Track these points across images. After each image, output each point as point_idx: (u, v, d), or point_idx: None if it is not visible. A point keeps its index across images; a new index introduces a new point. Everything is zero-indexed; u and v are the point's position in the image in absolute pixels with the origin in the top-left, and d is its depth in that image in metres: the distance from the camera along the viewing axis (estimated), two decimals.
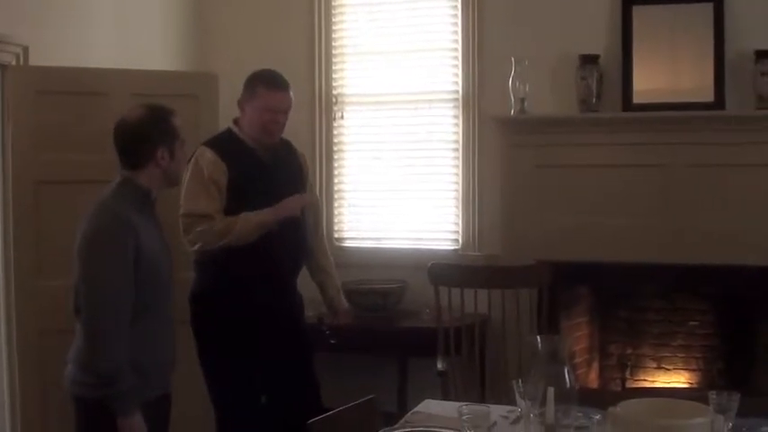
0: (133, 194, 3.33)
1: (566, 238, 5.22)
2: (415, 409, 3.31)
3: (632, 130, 5.14)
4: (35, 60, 4.66)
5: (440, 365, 4.51)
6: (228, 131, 4.25)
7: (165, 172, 3.38)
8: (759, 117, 4.98)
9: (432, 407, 3.36)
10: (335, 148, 6.06)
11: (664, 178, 5.10)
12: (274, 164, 4.23)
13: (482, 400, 4.46)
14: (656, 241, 5.11)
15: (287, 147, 4.37)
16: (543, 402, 2.75)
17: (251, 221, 4.02)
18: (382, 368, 5.55)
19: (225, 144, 4.16)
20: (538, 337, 2.93)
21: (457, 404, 3.18)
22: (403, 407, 5.18)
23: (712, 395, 2.83)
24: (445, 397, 4.36)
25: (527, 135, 5.33)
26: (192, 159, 4.04)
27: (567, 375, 2.83)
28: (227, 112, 4.60)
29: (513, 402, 3.00)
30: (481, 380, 4.75)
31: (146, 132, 3.35)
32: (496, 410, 3.18)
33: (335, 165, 6.07)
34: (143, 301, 3.24)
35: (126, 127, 3.39)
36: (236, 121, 4.25)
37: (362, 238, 6.08)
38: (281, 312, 4.23)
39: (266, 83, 4.16)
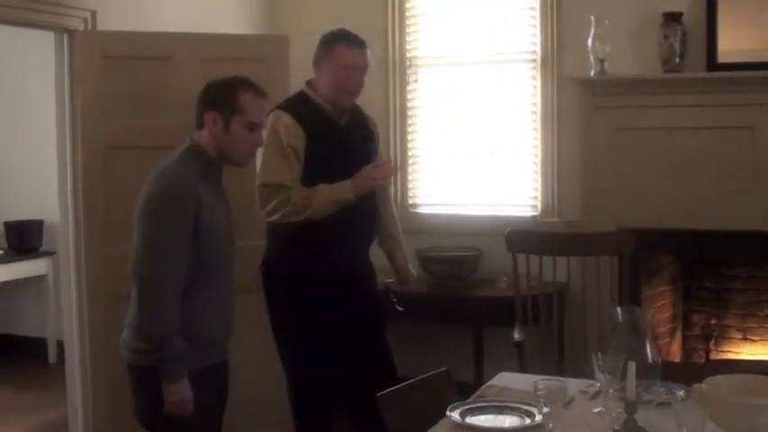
0: (198, 160, 3.25)
1: (648, 204, 5.06)
2: (490, 383, 3.19)
3: (718, 91, 4.93)
4: (103, 25, 4.61)
5: (516, 336, 4.37)
6: (302, 94, 4.12)
7: (218, 142, 3.25)
8: None
9: (506, 380, 3.23)
10: (409, 113, 5.92)
11: (751, 141, 4.89)
12: (349, 128, 4.12)
13: (560, 372, 4.32)
14: (743, 207, 4.91)
15: (359, 111, 4.26)
16: (624, 377, 2.62)
17: (329, 198, 3.91)
18: (458, 338, 5.45)
19: (300, 107, 4.04)
20: (618, 309, 2.78)
21: (533, 377, 3.07)
22: (479, 378, 5.10)
23: None
24: (522, 369, 4.23)
25: (608, 97, 5.15)
26: (268, 124, 3.91)
27: (648, 349, 2.68)
28: (297, 76, 4.50)
29: (592, 376, 2.87)
30: (559, 351, 4.60)
31: (205, 92, 3.30)
32: (574, 385, 3.05)
33: (409, 129, 5.93)
34: (197, 271, 3.16)
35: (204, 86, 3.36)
36: (309, 84, 4.13)
37: (437, 204, 5.93)
38: (355, 280, 4.14)
39: (343, 40, 4.05)
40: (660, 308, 5.45)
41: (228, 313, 3.38)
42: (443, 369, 3.01)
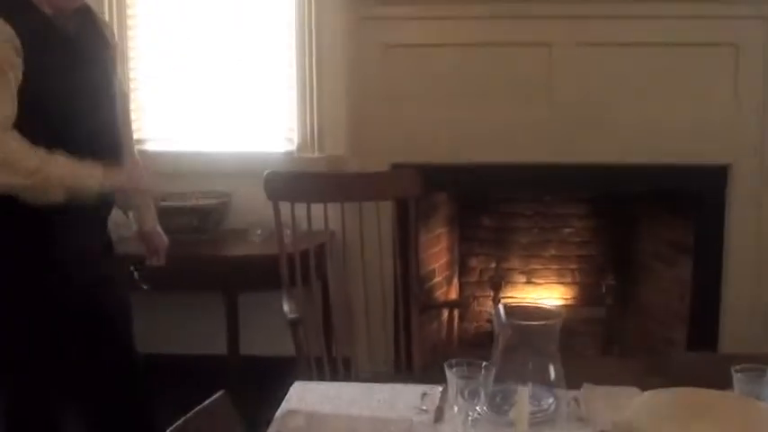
0: None
1: (425, 135, 4.35)
2: (288, 407, 2.20)
3: (509, 1, 4.26)
4: None
5: (288, 311, 3.38)
6: None
7: None
8: None
9: (308, 398, 2.27)
10: (130, 23, 4.78)
11: (548, 61, 4.28)
12: (80, 39, 2.89)
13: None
14: (530, 138, 4.32)
15: (91, 15, 3.03)
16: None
17: (71, 178, 2.72)
18: (207, 304, 4.54)
19: (12, 11, 2.69)
20: (501, 307, 1.89)
21: (338, 387, 2.22)
22: (234, 351, 4.30)
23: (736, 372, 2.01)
24: (298, 351, 3.34)
25: (378, 7, 4.33)
26: None
27: (553, 370, 1.85)
28: None
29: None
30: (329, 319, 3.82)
31: None
32: (403, 397, 2.18)
33: (130, 44, 4.80)
34: None
35: None
36: None
37: (168, 140, 4.85)
38: (93, 259, 2.98)
39: None
40: (436, 254, 4.86)
41: None
42: (220, 394, 2.05)
